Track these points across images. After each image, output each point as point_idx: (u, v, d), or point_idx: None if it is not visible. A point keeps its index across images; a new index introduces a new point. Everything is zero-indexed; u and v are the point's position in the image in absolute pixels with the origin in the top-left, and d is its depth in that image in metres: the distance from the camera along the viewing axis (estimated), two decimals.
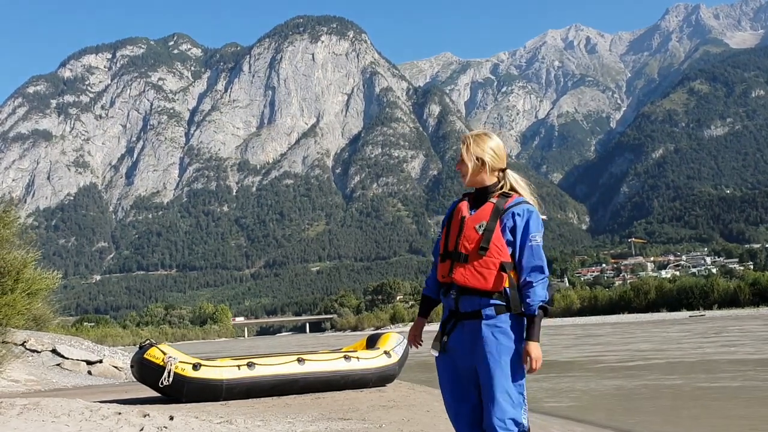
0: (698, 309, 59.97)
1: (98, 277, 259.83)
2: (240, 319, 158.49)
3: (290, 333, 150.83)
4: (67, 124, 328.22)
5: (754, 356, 13.83)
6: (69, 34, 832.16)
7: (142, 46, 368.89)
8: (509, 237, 2.64)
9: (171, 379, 6.30)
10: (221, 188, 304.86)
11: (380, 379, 7.39)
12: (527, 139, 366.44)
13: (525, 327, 2.64)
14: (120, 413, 4.82)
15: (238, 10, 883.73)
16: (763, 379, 9.67)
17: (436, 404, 6.34)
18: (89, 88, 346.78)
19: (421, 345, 2.98)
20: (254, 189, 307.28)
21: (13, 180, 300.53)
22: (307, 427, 5.08)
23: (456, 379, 2.69)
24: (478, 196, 2.74)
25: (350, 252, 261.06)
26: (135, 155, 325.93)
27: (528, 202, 2.68)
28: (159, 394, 6.65)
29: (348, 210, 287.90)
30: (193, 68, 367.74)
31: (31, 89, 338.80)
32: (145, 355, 6.44)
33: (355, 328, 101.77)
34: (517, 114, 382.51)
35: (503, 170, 2.75)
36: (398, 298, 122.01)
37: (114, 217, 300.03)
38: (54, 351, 12.68)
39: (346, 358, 7.17)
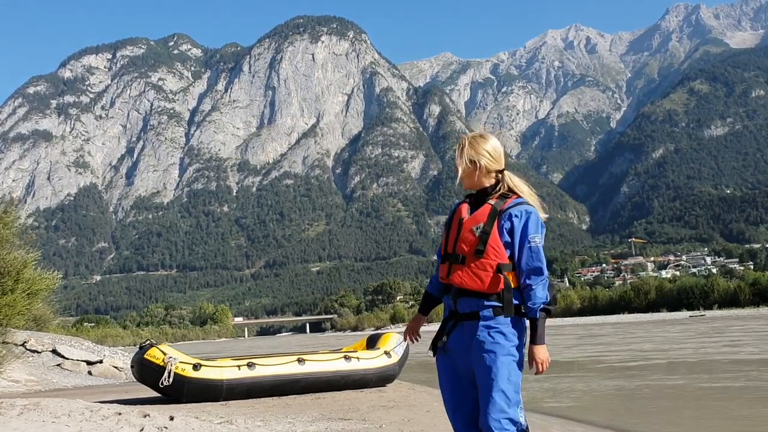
0: (698, 309, 59.98)
1: (98, 278, 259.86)
2: (240, 320, 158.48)
3: (290, 333, 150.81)
4: (67, 124, 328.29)
5: (756, 356, 13.80)
6: (69, 34, 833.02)
7: (142, 46, 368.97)
8: (507, 239, 2.63)
9: (171, 379, 6.30)
10: (221, 188, 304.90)
11: (380, 379, 7.39)
12: (527, 139, 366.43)
13: (526, 328, 2.65)
14: (120, 413, 4.81)
15: (238, 10, 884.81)
16: (766, 380, 9.64)
17: (436, 404, 6.33)
18: (89, 88, 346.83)
19: (418, 340, 2.98)
20: (254, 189, 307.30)
21: (14, 180, 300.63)
22: (308, 427, 5.07)
23: (455, 380, 2.71)
24: (478, 197, 2.74)
25: (350, 252, 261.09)
26: (135, 155, 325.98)
27: (527, 204, 2.67)
28: (159, 395, 6.64)
29: (348, 210, 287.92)
30: (193, 68, 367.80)
31: (31, 89, 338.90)
32: (145, 356, 6.43)
33: (355, 329, 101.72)
34: (517, 114, 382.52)
35: (501, 171, 2.74)
36: (398, 298, 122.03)
37: (114, 217, 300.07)
38: (54, 351, 12.67)
39: (347, 358, 7.17)
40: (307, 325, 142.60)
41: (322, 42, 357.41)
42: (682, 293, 63.95)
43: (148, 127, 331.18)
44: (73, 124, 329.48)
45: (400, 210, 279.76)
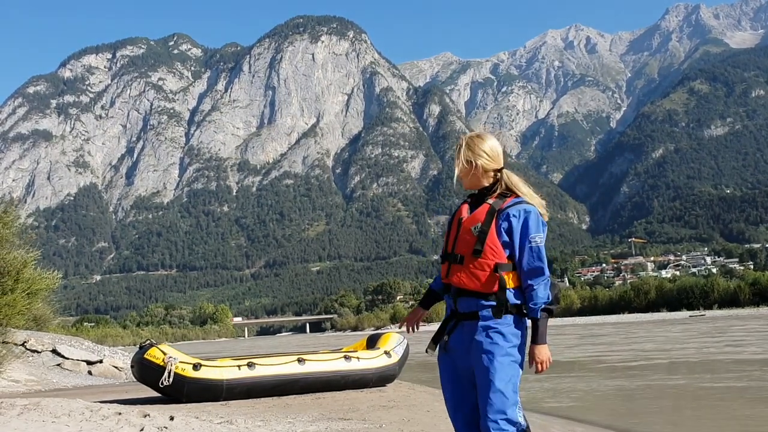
0: (698, 309, 60.03)
1: (98, 277, 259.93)
2: (240, 319, 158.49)
3: (290, 333, 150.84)
4: (67, 124, 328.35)
5: (759, 356, 13.75)
6: (69, 34, 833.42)
7: (142, 46, 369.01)
8: (505, 238, 2.62)
9: (171, 379, 6.29)
10: (221, 188, 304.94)
11: (380, 379, 7.38)
12: (527, 139, 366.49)
13: (528, 328, 2.65)
14: (120, 413, 4.80)
15: (238, 10, 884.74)
16: None
17: (436, 404, 6.33)
18: (89, 88, 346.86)
19: (415, 331, 2.98)
20: (254, 189, 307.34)
21: (13, 180, 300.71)
22: (308, 427, 5.06)
23: (456, 379, 2.70)
24: (479, 197, 2.74)
25: (350, 252, 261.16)
26: (135, 155, 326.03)
27: (526, 203, 2.65)
28: (159, 395, 6.63)
29: (348, 210, 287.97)
30: (193, 68, 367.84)
31: (31, 89, 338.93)
32: (145, 356, 6.42)
33: (355, 328, 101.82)
34: (517, 114, 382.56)
35: (501, 170, 2.73)
36: (398, 298, 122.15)
37: (114, 217, 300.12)
38: (54, 351, 12.65)
39: (347, 358, 7.16)
40: (307, 325, 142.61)
41: (322, 42, 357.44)
42: (682, 293, 63.99)
43: (148, 126, 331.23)
44: (73, 124, 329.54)
45: (400, 210, 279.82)
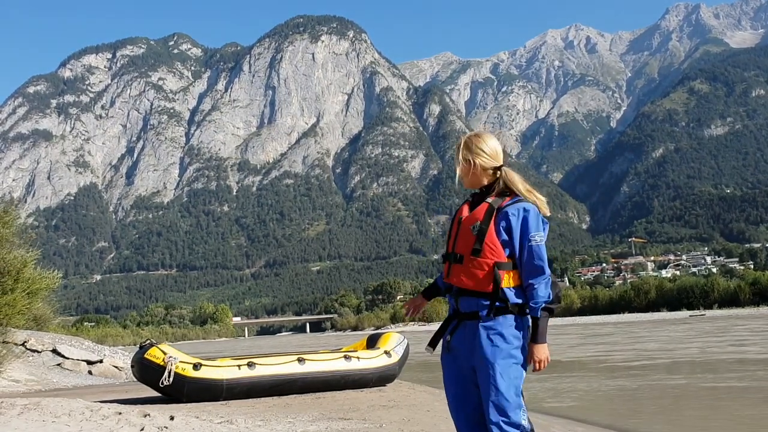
0: (698, 308, 60.05)
1: (98, 277, 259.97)
2: (240, 319, 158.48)
3: (290, 333, 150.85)
4: (67, 124, 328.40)
5: (762, 356, 13.70)
6: (69, 34, 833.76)
7: (142, 46, 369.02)
8: (505, 237, 2.60)
9: (171, 379, 6.28)
10: (221, 188, 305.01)
11: (380, 379, 7.37)
12: (527, 139, 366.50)
13: (529, 328, 2.63)
14: (120, 413, 4.79)
15: (238, 10, 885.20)
16: None
17: (436, 404, 6.32)
18: (89, 88, 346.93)
19: (415, 315, 2.97)
20: (254, 189, 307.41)
21: (14, 180, 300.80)
22: (308, 427, 5.05)
23: (459, 379, 2.68)
24: (480, 196, 2.74)
25: (350, 252, 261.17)
26: (135, 155, 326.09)
27: (525, 201, 2.64)
28: (159, 394, 6.63)
29: (348, 210, 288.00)
30: (193, 68, 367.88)
31: (31, 89, 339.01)
32: (145, 355, 6.42)
33: (355, 328, 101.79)
34: (517, 114, 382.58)
35: (499, 169, 2.72)
36: (398, 297, 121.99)
37: (114, 216, 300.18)
38: (54, 351, 12.64)
39: (347, 358, 7.15)
40: (307, 324, 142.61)
41: (322, 42, 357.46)
42: (682, 293, 64.01)
43: (148, 126, 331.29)
44: (73, 124, 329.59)
45: (400, 209, 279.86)
